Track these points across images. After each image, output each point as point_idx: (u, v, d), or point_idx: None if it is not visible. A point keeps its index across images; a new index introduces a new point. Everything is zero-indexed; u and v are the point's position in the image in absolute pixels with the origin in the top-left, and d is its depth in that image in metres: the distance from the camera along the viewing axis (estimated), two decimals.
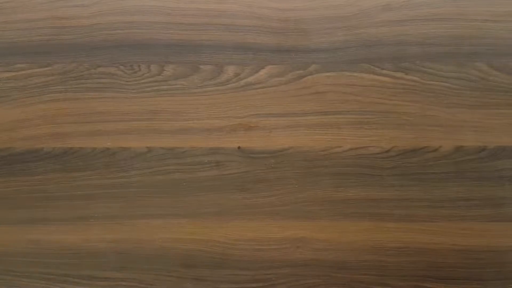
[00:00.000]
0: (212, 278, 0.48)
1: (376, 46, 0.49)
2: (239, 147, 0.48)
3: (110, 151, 0.49)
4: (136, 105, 0.49)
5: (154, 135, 0.49)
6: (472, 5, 0.49)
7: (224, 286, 0.47)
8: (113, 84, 0.49)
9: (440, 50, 0.49)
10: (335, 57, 0.49)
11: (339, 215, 0.48)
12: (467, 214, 0.47)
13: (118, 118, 0.49)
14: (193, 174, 0.48)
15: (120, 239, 0.48)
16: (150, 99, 0.49)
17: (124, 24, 0.49)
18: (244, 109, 0.49)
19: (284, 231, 0.48)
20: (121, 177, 0.49)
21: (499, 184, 0.47)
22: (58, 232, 0.49)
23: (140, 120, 0.49)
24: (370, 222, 0.48)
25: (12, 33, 0.50)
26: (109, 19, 0.50)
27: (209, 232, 0.48)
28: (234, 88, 0.49)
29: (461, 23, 0.49)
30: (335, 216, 0.48)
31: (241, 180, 0.48)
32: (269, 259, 0.48)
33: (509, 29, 0.48)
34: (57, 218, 0.49)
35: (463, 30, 0.49)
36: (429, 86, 0.48)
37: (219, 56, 0.49)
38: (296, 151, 0.48)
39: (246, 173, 0.48)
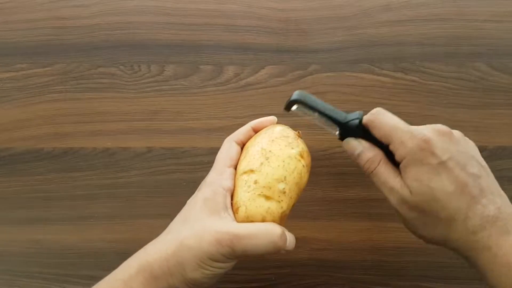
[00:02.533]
0: None
1: (376, 46, 0.49)
2: None
3: (110, 151, 0.49)
4: (137, 105, 0.49)
5: (154, 135, 0.49)
6: (472, 5, 0.49)
7: (224, 286, 0.47)
8: (113, 84, 0.49)
9: (440, 50, 0.49)
10: (335, 57, 0.49)
11: (339, 215, 0.48)
12: None
13: (118, 118, 0.49)
14: (193, 174, 0.48)
15: (120, 239, 0.48)
16: (151, 99, 0.49)
17: (124, 24, 0.50)
18: (244, 109, 0.49)
19: None
20: (121, 177, 0.49)
21: (499, 184, 0.47)
22: (58, 232, 0.48)
23: (140, 120, 0.49)
24: (370, 222, 0.48)
25: (12, 33, 0.50)
26: (109, 19, 0.50)
27: None
28: (234, 88, 0.49)
29: (461, 23, 0.49)
30: (335, 216, 0.48)
31: None
32: (269, 259, 0.48)
33: (509, 29, 0.48)
34: (57, 218, 0.49)
35: (463, 30, 0.49)
36: (428, 86, 0.48)
37: (219, 56, 0.49)
38: None
39: None
